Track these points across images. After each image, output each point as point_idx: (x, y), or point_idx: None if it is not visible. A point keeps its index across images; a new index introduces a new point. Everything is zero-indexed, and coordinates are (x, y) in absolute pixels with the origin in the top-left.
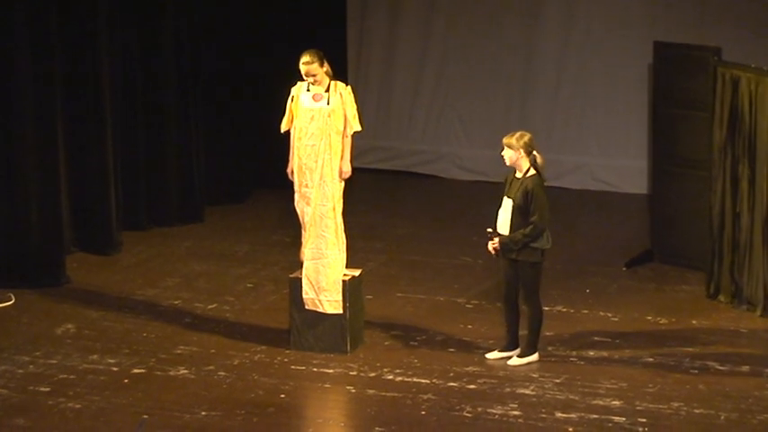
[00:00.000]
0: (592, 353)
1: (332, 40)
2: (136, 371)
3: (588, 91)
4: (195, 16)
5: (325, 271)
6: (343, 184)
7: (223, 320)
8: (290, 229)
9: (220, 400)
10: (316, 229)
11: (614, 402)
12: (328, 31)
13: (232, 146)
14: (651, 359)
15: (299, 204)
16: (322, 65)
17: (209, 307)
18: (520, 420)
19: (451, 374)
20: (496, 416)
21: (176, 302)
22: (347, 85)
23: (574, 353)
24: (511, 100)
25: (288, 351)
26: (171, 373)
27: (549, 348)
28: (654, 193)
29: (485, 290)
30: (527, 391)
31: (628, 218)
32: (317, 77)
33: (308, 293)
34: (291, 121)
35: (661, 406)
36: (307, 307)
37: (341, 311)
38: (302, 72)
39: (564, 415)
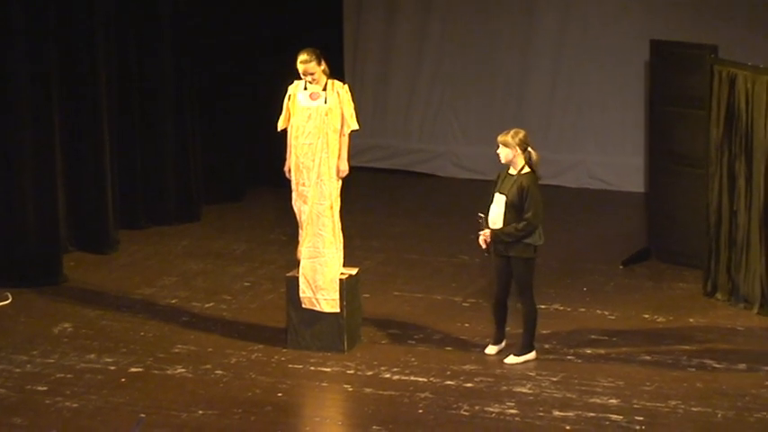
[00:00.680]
0: (589, 351)
1: (328, 39)
2: (133, 370)
3: (585, 89)
4: (192, 15)
5: (322, 270)
6: (340, 182)
7: (220, 319)
8: (287, 227)
9: (218, 399)
10: (313, 228)
11: (611, 400)
12: (325, 30)
13: (229, 144)
14: (648, 357)
15: (296, 203)
16: (320, 63)
17: (207, 306)
18: (517, 419)
19: (449, 373)
20: (494, 414)
21: (173, 301)
22: (344, 83)
23: (571, 351)
24: (508, 98)
25: (285, 350)
26: (168, 371)
27: (546, 346)
28: (651, 191)
29: (482, 288)
30: (524, 390)
31: (625, 216)
32: (315, 76)
33: (305, 292)
34: (288, 120)
35: (658, 404)
36: (304, 306)
37: (338, 310)
38: (300, 71)
39: (561, 413)
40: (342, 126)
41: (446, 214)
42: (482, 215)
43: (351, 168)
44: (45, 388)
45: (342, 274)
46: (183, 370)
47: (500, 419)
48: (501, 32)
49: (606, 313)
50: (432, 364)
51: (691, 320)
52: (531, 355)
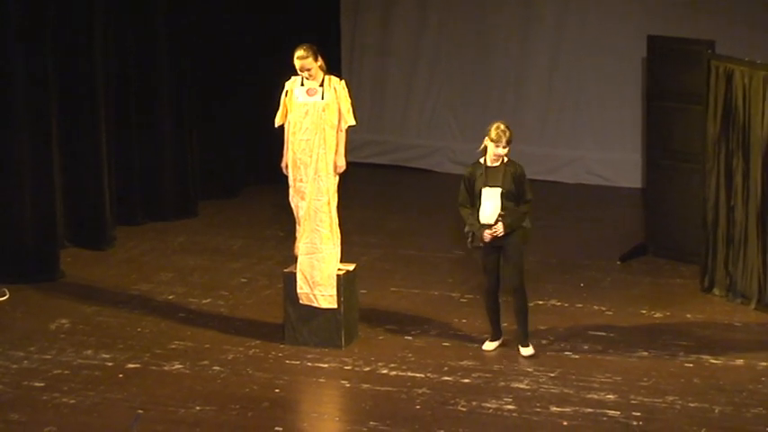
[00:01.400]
0: (586, 347)
1: (326, 35)
2: (130, 366)
3: (582, 85)
4: (189, 13)
5: (319, 266)
6: (337, 178)
7: (217, 315)
8: (285, 223)
9: (215, 395)
10: (310, 224)
11: (609, 396)
12: (322, 26)
13: (226, 140)
14: (645, 353)
15: (293, 199)
16: (316, 59)
17: (204, 302)
18: (514, 414)
19: (446, 369)
20: (491, 410)
21: (170, 297)
22: (341, 79)
23: (568, 347)
24: (505, 94)
25: (282, 346)
26: (165, 367)
27: (544, 342)
28: (648, 187)
29: (479, 284)
30: (521, 386)
31: (622, 211)
32: (312, 72)
33: (302, 288)
34: (285, 116)
35: (656, 399)
36: (301, 302)
37: (335, 306)
38: (296, 67)
39: (558, 409)
40: (339, 122)
41: (443, 210)
42: (502, 213)
43: (348, 164)
44: (42, 384)
45: (339, 269)
46: (180, 366)
47: (497, 415)
48: (498, 29)
49: (603, 309)
50: (429, 359)
51: (688, 316)
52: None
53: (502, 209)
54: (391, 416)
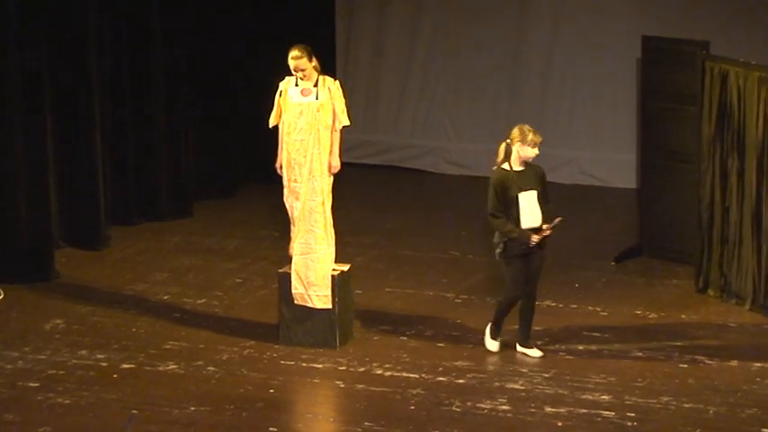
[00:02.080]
0: (581, 347)
1: (320, 35)
2: (125, 366)
3: (577, 85)
4: (184, 13)
5: (314, 266)
6: (332, 178)
7: (212, 315)
8: (279, 223)
9: (209, 395)
10: (305, 224)
11: (603, 397)
12: (317, 26)
13: (221, 140)
14: (640, 353)
15: (287, 199)
16: (311, 60)
17: (199, 302)
18: (509, 415)
19: (440, 369)
20: (485, 410)
21: (165, 297)
22: (335, 79)
23: (563, 347)
24: (499, 94)
25: (277, 346)
26: (160, 368)
27: (539, 343)
28: (643, 188)
29: (474, 284)
30: (516, 386)
31: (617, 212)
32: (306, 72)
33: (297, 288)
34: (280, 116)
35: (650, 400)
36: (296, 302)
37: (330, 306)
38: (291, 67)
39: (553, 409)
40: (333, 122)
41: (438, 210)
42: (560, 218)
43: (342, 164)
44: (37, 384)
45: (334, 270)
46: (174, 366)
47: (492, 416)
48: (493, 29)
49: (598, 309)
50: (423, 360)
51: (683, 317)
52: None
53: (542, 211)
54: (386, 416)
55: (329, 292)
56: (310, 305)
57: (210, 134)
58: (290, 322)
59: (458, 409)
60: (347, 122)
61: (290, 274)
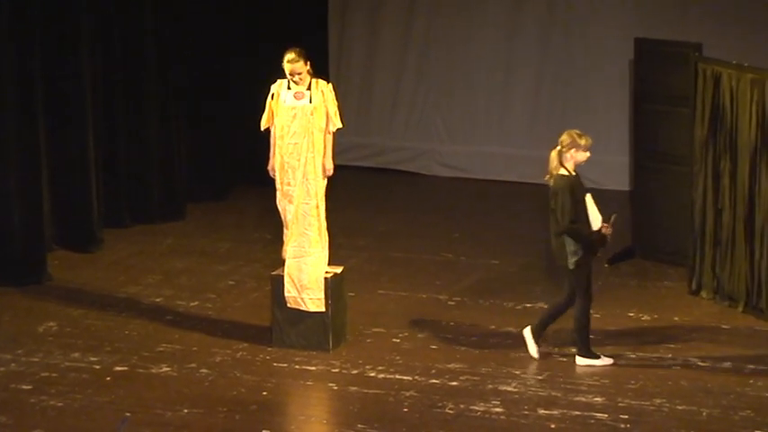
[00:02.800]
0: (574, 349)
1: (313, 38)
2: (118, 369)
3: (569, 88)
4: (178, 15)
5: (307, 269)
6: (326, 181)
7: (205, 318)
8: (272, 226)
9: (202, 398)
10: (299, 227)
11: (596, 399)
12: (309, 29)
13: (214, 143)
14: (633, 355)
15: (281, 202)
16: (306, 63)
17: (191, 304)
18: (502, 417)
19: (434, 371)
20: (479, 413)
21: (158, 300)
22: (328, 82)
23: (556, 349)
24: (492, 96)
25: (270, 348)
26: (153, 370)
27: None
28: (636, 190)
29: (467, 287)
30: (509, 388)
31: (609, 214)
32: (302, 75)
33: (290, 292)
34: (271, 119)
35: (643, 402)
36: (289, 305)
37: (323, 309)
38: (287, 70)
39: (546, 412)
40: (327, 125)
41: (431, 212)
42: (615, 214)
43: (335, 167)
44: (30, 387)
45: (327, 272)
46: (167, 369)
47: (485, 418)
48: (485, 31)
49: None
50: (417, 362)
51: (676, 319)
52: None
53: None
54: (379, 418)
55: (322, 295)
56: (303, 308)
57: (203, 137)
58: (283, 324)
59: (451, 412)
60: (340, 125)
61: (282, 277)
